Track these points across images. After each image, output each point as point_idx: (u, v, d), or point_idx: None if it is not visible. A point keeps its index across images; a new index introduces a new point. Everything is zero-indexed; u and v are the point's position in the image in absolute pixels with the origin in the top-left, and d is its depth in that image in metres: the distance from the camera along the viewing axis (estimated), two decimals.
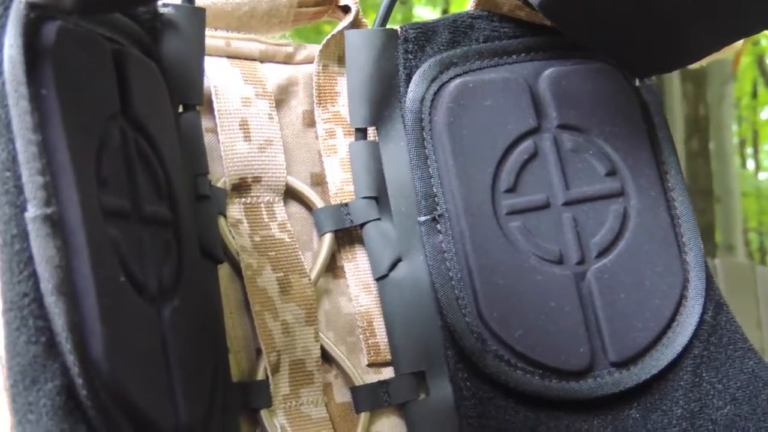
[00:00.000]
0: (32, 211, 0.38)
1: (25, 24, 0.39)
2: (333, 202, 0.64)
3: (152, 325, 0.45)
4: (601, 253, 0.63)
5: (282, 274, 0.59)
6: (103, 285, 0.39)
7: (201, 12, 0.58)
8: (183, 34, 0.57)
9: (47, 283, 0.37)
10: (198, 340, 0.50)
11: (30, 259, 0.38)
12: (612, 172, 0.65)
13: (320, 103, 0.65)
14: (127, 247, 0.44)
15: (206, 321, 0.53)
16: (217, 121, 0.60)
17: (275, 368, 0.58)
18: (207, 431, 0.49)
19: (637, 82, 0.67)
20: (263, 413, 0.57)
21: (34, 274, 0.38)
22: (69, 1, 0.39)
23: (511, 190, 0.63)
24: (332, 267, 0.64)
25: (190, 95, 0.58)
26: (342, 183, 0.64)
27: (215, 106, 0.61)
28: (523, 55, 0.66)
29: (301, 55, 0.66)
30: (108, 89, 0.46)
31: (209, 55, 0.62)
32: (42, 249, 0.38)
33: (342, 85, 0.65)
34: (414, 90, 0.63)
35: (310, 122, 0.65)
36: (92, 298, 0.39)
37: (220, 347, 0.55)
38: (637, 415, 0.63)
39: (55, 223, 0.38)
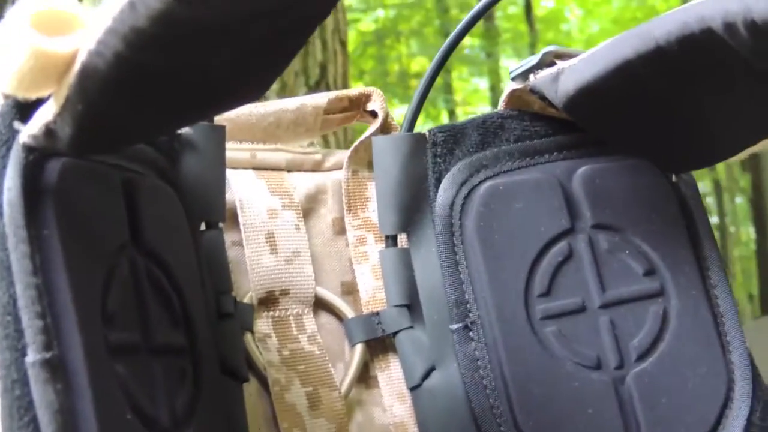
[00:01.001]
0: (32, 356, 0.40)
1: (24, 166, 0.42)
2: (365, 310, 0.66)
3: None
4: (641, 357, 0.64)
5: (311, 389, 0.61)
6: (107, 425, 0.41)
7: (220, 129, 0.61)
8: (202, 152, 0.59)
9: (47, 429, 0.39)
10: None
11: (30, 404, 0.39)
12: (650, 272, 0.65)
13: (350, 210, 0.67)
14: (136, 381, 0.45)
15: None
16: (243, 234, 0.63)
17: None
18: None
19: (674, 177, 0.68)
20: None
21: (34, 420, 0.39)
22: (64, 145, 0.41)
23: (545, 294, 0.64)
24: (365, 377, 0.66)
25: (211, 213, 0.61)
26: (374, 290, 0.66)
27: (240, 219, 0.63)
28: (555, 154, 0.67)
29: (329, 162, 0.69)
30: (116, 221, 0.49)
31: (234, 168, 0.64)
32: (42, 394, 0.39)
33: (372, 190, 0.68)
34: (443, 195, 0.65)
35: (340, 230, 0.68)
36: None
37: None
38: None
39: (56, 368, 0.40)
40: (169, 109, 0.45)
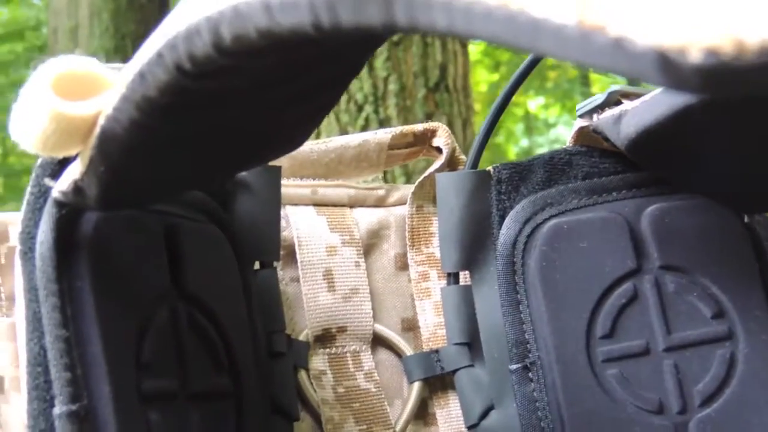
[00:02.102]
0: (59, 408, 0.43)
1: (57, 219, 0.45)
2: (425, 347, 0.68)
3: None
4: (705, 402, 0.65)
5: (365, 427, 0.64)
6: None
7: (275, 170, 0.65)
8: (257, 193, 0.63)
9: None
10: None
11: None
12: (719, 314, 0.66)
13: (413, 245, 0.70)
14: (170, 428, 0.49)
15: None
16: (300, 272, 0.66)
17: None
18: None
19: (746, 218, 0.68)
20: None
21: None
22: (92, 202, 0.44)
23: (607, 336, 0.65)
24: (423, 414, 0.69)
25: (265, 253, 0.64)
26: (435, 327, 0.69)
27: (298, 257, 0.67)
28: (624, 192, 0.68)
29: (393, 198, 0.72)
30: (156, 268, 0.52)
31: (295, 204, 0.67)
32: None
33: (437, 226, 0.69)
34: (506, 233, 0.67)
35: (402, 266, 0.70)
36: None
37: None
38: None
39: (83, 419, 0.43)
40: (196, 167, 0.48)
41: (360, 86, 2.22)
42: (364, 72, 2.21)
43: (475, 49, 5.47)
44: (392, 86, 2.25)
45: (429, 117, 2.23)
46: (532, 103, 6.90)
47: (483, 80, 6.51)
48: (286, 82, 0.43)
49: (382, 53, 2.23)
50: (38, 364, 0.44)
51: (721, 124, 0.60)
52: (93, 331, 0.45)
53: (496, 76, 6.48)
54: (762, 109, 0.57)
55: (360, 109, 2.20)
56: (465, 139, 2.39)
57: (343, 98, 2.20)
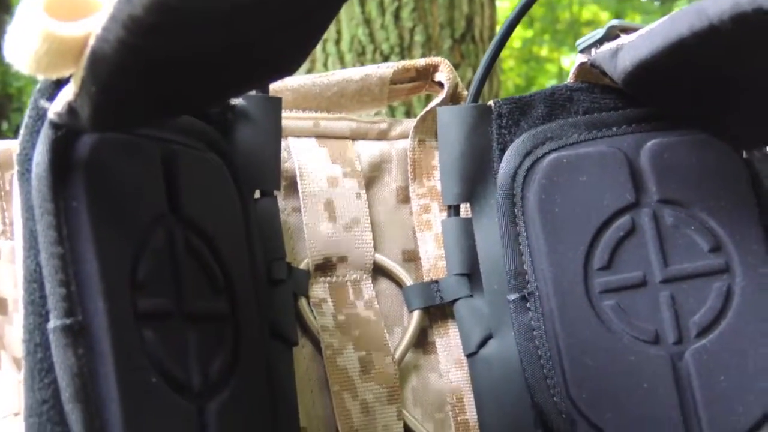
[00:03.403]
0: (53, 322, 0.44)
1: (53, 141, 0.46)
2: (426, 278, 0.69)
3: (190, 422, 0.50)
4: (701, 333, 0.66)
5: (364, 353, 0.65)
6: (130, 388, 0.45)
7: (276, 100, 0.65)
8: (257, 123, 0.64)
9: (66, 391, 0.44)
10: (253, 427, 0.55)
11: (51, 367, 0.44)
12: (716, 248, 0.67)
13: (415, 179, 0.70)
14: (165, 347, 0.49)
15: (267, 408, 0.58)
16: (301, 202, 0.67)
17: None
18: None
19: (745, 153, 0.68)
20: None
21: (54, 382, 0.44)
22: (84, 123, 0.44)
23: (605, 267, 0.66)
24: (423, 342, 0.70)
25: (266, 182, 0.65)
26: (435, 259, 0.69)
27: (299, 187, 0.68)
28: (623, 127, 0.69)
29: (395, 131, 0.72)
30: (152, 192, 0.52)
31: (297, 136, 0.67)
32: (62, 358, 0.43)
33: (438, 159, 0.70)
34: (506, 166, 0.67)
35: (404, 198, 0.71)
36: (116, 403, 0.44)
37: (289, 429, 0.60)
38: None
39: (77, 333, 0.44)
40: (188, 89, 0.48)
41: (386, 37, 2.21)
42: (390, 22, 2.21)
43: (507, 5, 5.43)
44: (418, 37, 2.24)
45: (455, 68, 2.21)
46: (566, 59, 6.86)
47: (516, 36, 6.47)
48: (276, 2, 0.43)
49: (408, 4, 2.22)
50: (34, 280, 0.45)
51: (713, 57, 0.60)
52: (88, 249, 0.46)
53: (530, 32, 6.44)
54: (750, 44, 0.57)
55: (386, 59, 2.19)
56: (491, 90, 2.38)
57: (369, 48, 2.20)
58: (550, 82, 7.01)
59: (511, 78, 6.46)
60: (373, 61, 2.21)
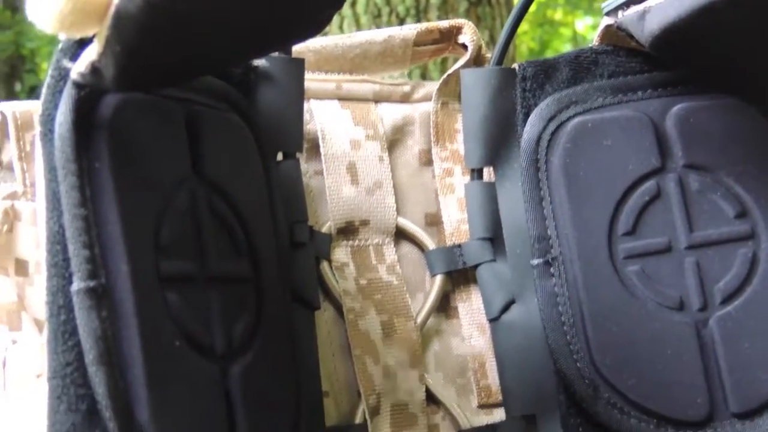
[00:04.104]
0: (77, 284, 0.44)
1: (76, 101, 0.45)
2: (448, 242, 0.69)
3: (214, 384, 0.50)
4: (726, 300, 0.65)
5: (386, 318, 0.65)
6: (153, 351, 0.45)
7: (299, 62, 0.64)
8: (280, 84, 0.63)
9: (89, 354, 0.43)
10: (276, 391, 0.55)
11: (75, 329, 0.44)
12: (742, 214, 0.66)
13: (438, 141, 0.70)
14: (189, 310, 0.49)
15: (289, 371, 0.58)
16: (323, 165, 0.66)
17: (375, 411, 0.63)
18: None
19: None
20: None
21: (78, 345, 0.44)
22: (108, 83, 0.44)
23: (629, 233, 0.65)
24: (445, 307, 0.69)
25: (288, 144, 0.65)
26: (458, 223, 0.69)
27: (322, 150, 0.67)
28: (649, 91, 0.68)
29: (418, 94, 0.72)
30: (176, 153, 0.52)
31: (319, 98, 0.67)
32: (85, 321, 0.43)
33: (461, 122, 0.69)
34: (530, 130, 0.66)
35: (426, 161, 0.70)
36: (139, 366, 0.44)
37: (311, 393, 0.60)
38: None
39: (100, 296, 0.44)
40: (212, 49, 0.48)
41: None
42: None
43: None
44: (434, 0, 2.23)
45: None
46: (580, 23, 6.83)
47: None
48: None
49: None
50: (57, 242, 0.45)
51: (746, 18, 0.59)
52: (111, 211, 0.45)
53: None
54: None
55: (402, 22, 2.18)
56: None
57: (385, 11, 2.18)
58: (564, 47, 6.98)
59: (525, 42, 6.42)
60: (389, 24, 2.20)
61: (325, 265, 0.65)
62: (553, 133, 0.66)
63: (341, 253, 0.67)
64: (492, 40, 2.23)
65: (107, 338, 0.43)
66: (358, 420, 0.64)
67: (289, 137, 0.64)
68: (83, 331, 0.43)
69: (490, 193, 0.68)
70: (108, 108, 0.47)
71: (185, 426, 0.47)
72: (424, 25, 0.70)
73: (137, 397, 0.44)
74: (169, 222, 0.49)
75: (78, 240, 0.44)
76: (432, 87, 0.72)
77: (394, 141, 0.70)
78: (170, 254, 0.49)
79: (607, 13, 0.69)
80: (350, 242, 0.67)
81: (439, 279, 0.68)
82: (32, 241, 0.57)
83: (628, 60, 0.69)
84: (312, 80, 0.68)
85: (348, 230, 0.67)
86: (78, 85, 0.45)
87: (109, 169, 0.45)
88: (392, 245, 0.69)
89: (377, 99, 0.71)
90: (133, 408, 0.44)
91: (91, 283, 0.44)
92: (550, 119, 0.67)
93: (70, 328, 0.44)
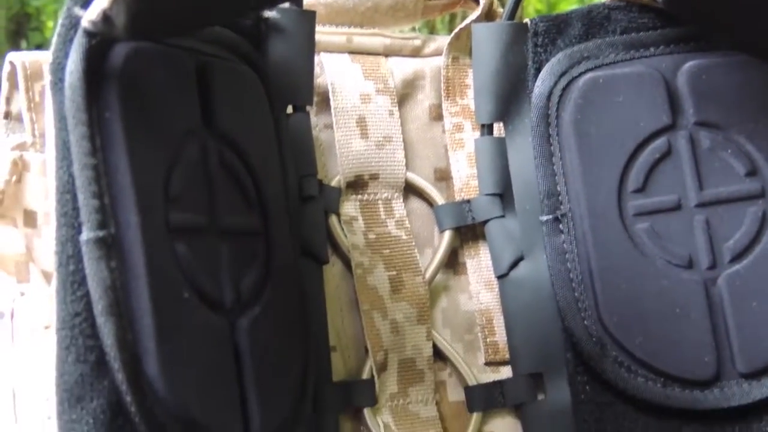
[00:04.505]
0: (86, 234, 0.43)
1: (87, 50, 0.44)
2: (458, 198, 0.68)
3: (222, 337, 0.50)
4: (735, 258, 0.65)
5: (395, 273, 0.64)
6: (162, 303, 0.45)
7: (310, 14, 0.64)
8: (291, 37, 0.63)
9: (98, 304, 0.43)
10: (284, 345, 0.55)
11: (83, 280, 0.43)
12: (752, 172, 0.66)
13: (448, 96, 0.69)
14: (198, 262, 0.49)
15: (298, 324, 0.58)
16: (333, 118, 0.66)
17: (382, 367, 0.63)
18: None
19: None
20: (366, 412, 0.64)
21: (86, 295, 0.43)
22: (120, 31, 0.43)
23: (639, 190, 0.65)
24: (453, 263, 0.69)
25: (298, 97, 0.64)
26: (468, 178, 0.68)
27: (332, 103, 0.67)
28: (661, 47, 0.67)
29: (429, 48, 0.71)
30: (187, 104, 0.52)
31: (329, 51, 0.66)
32: (94, 271, 0.43)
33: (472, 77, 0.68)
34: (541, 85, 0.66)
35: (437, 116, 0.70)
36: (148, 317, 0.44)
37: (318, 347, 0.60)
38: None
39: (110, 246, 0.43)
40: None
41: None
42: None
43: None
44: None
45: None
46: None
47: None
48: None
49: None
50: (66, 191, 0.44)
51: None
52: (121, 161, 0.45)
53: None
54: None
55: None
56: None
57: None
58: (572, 8, 6.93)
59: (531, 3, 6.40)
60: None
61: (333, 219, 0.65)
62: (564, 89, 0.66)
63: (350, 207, 0.66)
64: None
65: (116, 289, 0.43)
66: (365, 375, 0.64)
67: (299, 90, 0.64)
68: (92, 282, 0.43)
69: (500, 149, 0.67)
70: (119, 57, 0.46)
71: (192, 378, 0.46)
72: None
73: (145, 349, 0.44)
74: (179, 173, 0.49)
75: (88, 189, 0.43)
76: (443, 41, 0.71)
77: (404, 95, 0.70)
78: (180, 205, 0.48)
79: None
80: (359, 196, 0.67)
81: (447, 234, 0.68)
82: (41, 192, 0.57)
83: (641, 16, 0.68)
84: (322, 33, 0.67)
85: (357, 184, 0.67)
86: (89, 34, 0.44)
87: (120, 118, 0.45)
88: (401, 200, 0.68)
89: (388, 53, 0.70)
90: (141, 359, 0.44)
91: (101, 233, 0.43)
92: (562, 75, 0.66)
93: (79, 278, 0.43)
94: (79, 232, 0.44)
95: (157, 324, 0.44)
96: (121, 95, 0.45)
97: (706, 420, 0.64)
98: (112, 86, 0.45)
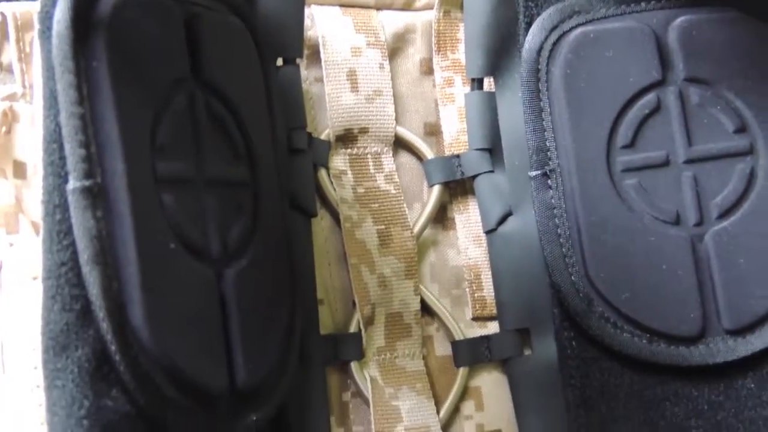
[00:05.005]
0: (72, 183, 0.43)
1: None
2: (447, 152, 0.68)
3: (208, 288, 0.50)
4: (722, 215, 0.65)
5: (383, 227, 0.65)
6: (147, 252, 0.45)
7: None
8: None
9: (84, 254, 0.43)
10: (271, 296, 0.55)
11: (70, 229, 0.43)
12: (741, 129, 0.65)
13: (439, 50, 0.69)
14: (184, 212, 0.49)
15: (285, 276, 0.58)
16: (324, 71, 0.66)
17: (369, 321, 0.63)
18: (277, 387, 0.54)
19: None
20: (353, 365, 0.64)
21: (72, 244, 0.43)
22: None
23: (628, 146, 0.65)
24: (442, 218, 0.69)
25: (288, 49, 0.64)
26: (458, 133, 0.68)
27: (322, 56, 0.67)
28: (652, 2, 0.67)
29: (421, 2, 0.71)
30: (175, 54, 0.51)
31: (320, 4, 0.66)
32: (80, 220, 0.43)
33: (463, 32, 0.68)
34: (532, 40, 0.65)
35: (427, 70, 0.70)
36: (134, 266, 0.44)
37: (306, 300, 0.60)
38: (752, 386, 0.64)
39: (96, 195, 0.44)
40: None
41: None
42: None
43: None
44: None
45: None
46: None
47: None
48: None
49: None
50: (53, 140, 0.44)
51: None
52: (108, 110, 0.45)
53: None
54: None
55: None
56: None
57: None
58: None
59: None
60: None
61: (323, 172, 0.65)
62: (555, 44, 0.65)
63: (339, 161, 0.66)
64: None
65: (102, 238, 0.43)
66: (352, 329, 0.64)
67: (289, 42, 0.64)
68: (78, 231, 0.43)
69: (490, 104, 0.67)
70: (107, 5, 0.46)
71: (177, 327, 0.46)
72: None
73: (130, 298, 0.44)
74: (167, 123, 0.49)
75: (74, 139, 0.43)
76: None
77: (395, 49, 0.70)
78: (167, 155, 0.48)
79: None
80: (349, 150, 0.67)
81: (436, 189, 0.68)
82: (31, 143, 0.56)
83: None
84: None
85: (347, 138, 0.67)
86: None
87: (107, 67, 0.45)
88: (390, 154, 0.68)
89: (379, 6, 0.70)
90: (126, 308, 0.44)
91: (87, 183, 0.43)
92: (552, 29, 0.65)
93: (65, 227, 0.43)
94: (66, 181, 0.44)
95: (142, 273, 0.44)
96: (109, 44, 0.45)
97: (692, 376, 0.64)
98: (99, 35, 0.45)
